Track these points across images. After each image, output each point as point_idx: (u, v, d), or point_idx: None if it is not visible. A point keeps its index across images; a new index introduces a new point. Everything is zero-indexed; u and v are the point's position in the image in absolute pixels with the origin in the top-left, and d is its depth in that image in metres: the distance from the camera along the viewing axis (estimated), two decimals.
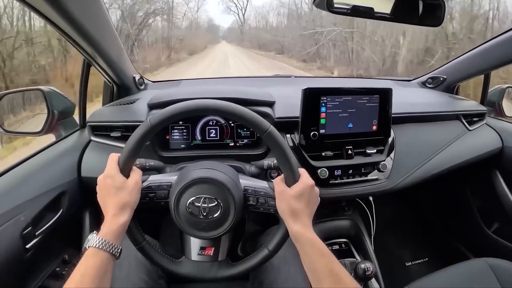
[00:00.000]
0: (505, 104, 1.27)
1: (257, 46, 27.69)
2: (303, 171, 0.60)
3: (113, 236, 0.52)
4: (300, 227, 0.55)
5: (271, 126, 0.58)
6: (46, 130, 0.94)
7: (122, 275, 0.68)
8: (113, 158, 0.58)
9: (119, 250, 0.52)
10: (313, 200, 0.59)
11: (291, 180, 0.58)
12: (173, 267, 0.63)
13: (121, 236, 0.54)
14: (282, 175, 0.60)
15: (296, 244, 0.55)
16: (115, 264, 0.52)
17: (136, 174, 0.58)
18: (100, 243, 0.50)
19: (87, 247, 0.50)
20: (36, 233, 0.74)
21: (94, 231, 0.53)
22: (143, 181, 0.62)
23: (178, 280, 0.74)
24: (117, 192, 0.54)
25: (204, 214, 0.59)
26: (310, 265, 0.53)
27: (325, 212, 1.09)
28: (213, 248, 0.67)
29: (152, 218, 0.94)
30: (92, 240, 0.50)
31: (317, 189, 0.60)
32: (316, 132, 0.86)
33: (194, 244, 0.67)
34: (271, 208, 0.61)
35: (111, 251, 0.50)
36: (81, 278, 0.47)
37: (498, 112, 1.27)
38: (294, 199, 0.56)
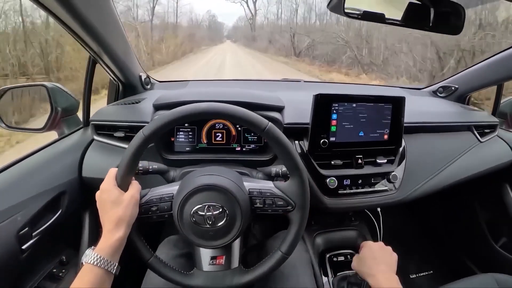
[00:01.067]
0: None
1: (274, 48, 22.40)
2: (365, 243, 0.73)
3: (109, 252, 0.51)
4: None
5: (270, 123, 0.56)
6: (48, 127, 0.92)
7: None
8: (111, 173, 0.58)
9: (115, 267, 0.52)
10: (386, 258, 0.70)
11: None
12: (186, 281, 0.61)
13: (118, 252, 0.53)
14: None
15: None
16: (111, 280, 0.52)
17: (133, 188, 0.58)
18: (95, 260, 0.50)
19: (83, 263, 0.50)
20: (33, 234, 0.72)
21: (92, 246, 0.53)
22: (144, 195, 0.60)
23: None
24: (113, 207, 0.54)
25: (210, 222, 0.56)
26: None
27: (332, 222, 1.07)
28: (224, 256, 0.64)
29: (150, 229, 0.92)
30: (89, 256, 0.50)
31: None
32: (326, 140, 0.84)
33: (204, 254, 0.64)
34: (280, 208, 0.59)
35: (107, 268, 0.50)
36: None
37: (510, 124, 1.25)
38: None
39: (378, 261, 0.69)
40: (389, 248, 0.74)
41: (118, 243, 0.52)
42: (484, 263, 1.25)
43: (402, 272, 1.32)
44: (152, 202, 0.59)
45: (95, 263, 0.49)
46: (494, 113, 1.24)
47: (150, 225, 0.59)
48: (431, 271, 1.35)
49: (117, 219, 0.53)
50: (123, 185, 0.57)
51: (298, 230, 0.57)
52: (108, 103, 1.03)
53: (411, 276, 1.34)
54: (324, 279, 0.93)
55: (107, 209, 0.54)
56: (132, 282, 0.80)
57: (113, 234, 0.52)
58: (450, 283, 0.82)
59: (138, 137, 0.56)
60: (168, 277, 0.60)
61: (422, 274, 1.35)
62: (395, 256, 0.72)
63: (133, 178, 0.59)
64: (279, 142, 0.56)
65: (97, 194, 0.57)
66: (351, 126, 0.85)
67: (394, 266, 0.70)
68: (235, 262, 0.65)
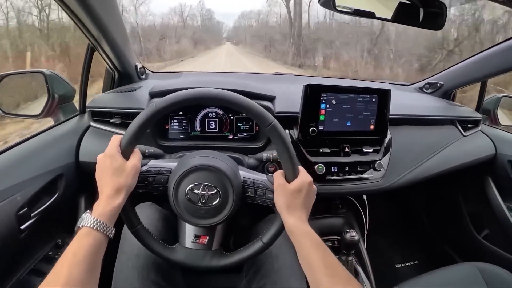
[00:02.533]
0: (500, 112, 1.30)
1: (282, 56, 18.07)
2: (301, 169, 0.62)
3: (107, 217, 0.51)
4: (296, 220, 0.56)
5: (275, 120, 0.59)
6: (45, 113, 0.93)
7: (136, 271, 0.67)
8: (116, 139, 0.58)
9: (113, 231, 0.52)
10: (310, 196, 0.60)
11: (291, 175, 0.59)
12: (166, 253, 0.63)
13: (114, 217, 0.53)
14: (282, 170, 0.61)
15: (291, 237, 0.56)
16: (107, 244, 0.52)
17: (135, 157, 0.58)
18: (94, 223, 0.50)
19: (80, 226, 0.50)
20: (32, 214, 0.74)
21: (88, 210, 0.53)
22: (143, 165, 0.62)
23: (193, 272, 0.73)
24: (114, 173, 0.54)
25: (203, 201, 0.59)
26: (305, 258, 0.54)
27: (319, 209, 1.10)
28: (207, 237, 0.67)
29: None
30: (87, 219, 0.50)
31: (314, 186, 0.62)
32: (315, 128, 0.87)
33: (189, 231, 0.67)
34: (269, 200, 0.62)
35: (105, 231, 0.50)
36: (74, 256, 0.46)
37: (493, 120, 1.30)
38: (292, 193, 0.58)
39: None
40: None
41: (117, 210, 0.53)
42: (467, 254, 1.30)
43: (388, 261, 1.38)
44: (150, 173, 0.61)
45: (94, 227, 0.49)
46: (478, 109, 1.29)
47: (140, 196, 0.61)
48: (417, 261, 1.40)
49: (118, 186, 0.54)
50: (126, 152, 0.57)
51: (282, 224, 0.59)
52: (103, 91, 1.06)
53: (396, 266, 1.38)
54: None
55: (109, 174, 0.54)
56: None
57: (113, 200, 0.53)
58: (433, 270, 0.85)
59: (150, 108, 0.57)
60: (150, 248, 0.62)
61: (407, 264, 1.39)
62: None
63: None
64: (281, 139, 0.58)
65: (100, 157, 0.56)
66: (339, 116, 0.89)
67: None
68: (217, 245, 0.67)
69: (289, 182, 0.59)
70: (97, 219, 0.50)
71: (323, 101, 0.87)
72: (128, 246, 0.70)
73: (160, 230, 0.75)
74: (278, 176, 0.61)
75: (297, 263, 0.72)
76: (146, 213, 0.77)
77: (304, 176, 0.60)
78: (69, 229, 0.91)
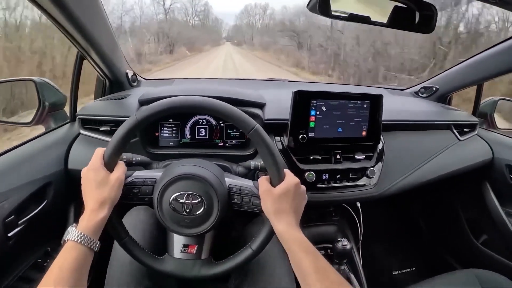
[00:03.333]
0: (497, 116, 1.28)
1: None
2: (287, 171, 0.61)
3: (91, 230, 0.52)
4: (285, 226, 0.55)
5: (257, 124, 0.58)
6: (36, 121, 0.94)
7: (129, 278, 0.67)
8: (99, 152, 0.58)
9: (97, 245, 0.53)
10: (298, 198, 0.59)
11: (276, 179, 0.58)
12: (156, 265, 0.63)
13: (99, 231, 0.54)
14: (268, 175, 0.60)
15: (282, 243, 0.56)
16: (93, 257, 0.53)
17: (119, 169, 0.58)
18: (79, 237, 0.50)
19: (66, 240, 0.51)
20: (19, 222, 0.74)
21: (74, 224, 0.54)
22: (127, 177, 0.62)
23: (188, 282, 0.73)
24: (98, 187, 0.55)
25: (187, 210, 0.59)
26: (296, 263, 0.53)
27: (312, 217, 1.09)
28: (196, 246, 0.66)
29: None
30: (72, 233, 0.51)
31: (303, 187, 0.60)
32: (305, 135, 0.86)
33: (178, 241, 0.66)
34: (256, 207, 0.61)
35: (89, 245, 0.51)
36: (60, 271, 0.47)
37: (490, 123, 1.28)
38: (279, 198, 0.57)
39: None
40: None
41: (101, 223, 0.54)
42: (465, 260, 1.28)
43: (385, 269, 1.36)
44: (135, 185, 0.61)
45: (78, 241, 0.50)
46: (474, 113, 1.27)
47: (126, 207, 0.61)
48: (414, 268, 1.38)
49: (102, 199, 0.54)
50: (110, 165, 0.57)
51: (271, 230, 0.58)
52: (95, 98, 1.06)
53: (393, 273, 1.36)
54: None
55: (92, 187, 0.55)
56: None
57: (97, 213, 0.53)
58: (431, 278, 0.84)
59: (131, 120, 0.57)
60: (139, 259, 0.62)
61: (404, 270, 1.37)
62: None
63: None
64: (264, 143, 0.58)
65: (84, 170, 0.57)
66: (330, 122, 0.88)
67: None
68: (206, 253, 0.66)
69: (274, 187, 0.58)
70: (81, 233, 0.51)
71: (313, 108, 0.86)
72: (121, 253, 0.69)
73: (156, 235, 0.75)
74: (263, 182, 0.60)
75: (286, 267, 0.72)
76: (140, 217, 0.78)
77: (289, 178, 0.59)
78: (58, 237, 0.90)
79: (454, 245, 1.33)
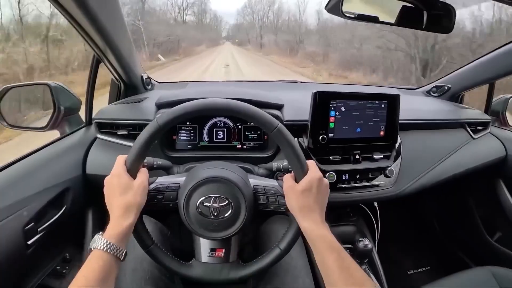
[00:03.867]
0: (509, 113, 1.28)
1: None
2: (311, 163, 0.60)
3: (118, 238, 0.51)
4: (310, 224, 0.55)
5: (280, 123, 0.58)
6: (51, 126, 0.92)
7: (133, 285, 0.66)
8: (121, 159, 0.58)
9: (124, 253, 0.52)
10: (322, 192, 0.58)
11: (300, 175, 0.58)
12: (184, 270, 0.62)
13: (126, 238, 0.53)
14: (292, 172, 0.60)
15: (308, 240, 0.55)
16: (119, 266, 0.52)
17: (142, 175, 0.58)
18: (105, 246, 0.49)
19: (92, 248, 0.50)
20: (39, 229, 0.73)
21: (100, 232, 0.52)
22: (150, 183, 0.61)
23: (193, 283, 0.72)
24: (122, 193, 0.54)
25: (215, 214, 0.58)
26: (321, 261, 0.52)
27: (330, 217, 1.08)
28: (223, 249, 0.65)
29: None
30: (98, 241, 0.50)
31: (326, 180, 0.60)
32: (324, 136, 0.86)
33: (204, 245, 0.66)
34: (282, 206, 0.61)
35: (116, 254, 0.50)
36: (85, 280, 0.46)
37: (502, 121, 1.28)
38: (303, 193, 0.56)
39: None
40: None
41: (127, 230, 0.52)
42: (480, 258, 1.27)
43: (400, 268, 1.35)
44: (159, 190, 0.61)
45: (104, 249, 0.49)
46: (486, 111, 1.28)
47: (151, 213, 0.60)
48: (429, 267, 1.38)
49: (127, 206, 0.53)
50: (133, 171, 0.57)
51: (298, 228, 0.58)
52: (109, 102, 1.05)
53: (408, 272, 1.36)
54: None
55: (116, 194, 0.54)
56: None
57: (122, 220, 0.52)
58: (447, 276, 0.84)
59: (152, 126, 0.56)
60: (166, 266, 0.61)
61: (419, 270, 1.37)
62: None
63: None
64: (288, 142, 0.58)
65: (107, 178, 0.56)
66: (349, 122, 0.88)
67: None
68: (234, 256, 0.66)
69: (298, 182, 0.58)
70: (108, 241, 0.50)
71: (333, 108, 0.86)
72: (124, 261, 0.69)
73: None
74: (287, 179, 0.59)
75: (305, 267, 0.72)
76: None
77: (312, 172, 0.58)
78: (77, 243, 0.90)
79: (469, 243, 1.33)
